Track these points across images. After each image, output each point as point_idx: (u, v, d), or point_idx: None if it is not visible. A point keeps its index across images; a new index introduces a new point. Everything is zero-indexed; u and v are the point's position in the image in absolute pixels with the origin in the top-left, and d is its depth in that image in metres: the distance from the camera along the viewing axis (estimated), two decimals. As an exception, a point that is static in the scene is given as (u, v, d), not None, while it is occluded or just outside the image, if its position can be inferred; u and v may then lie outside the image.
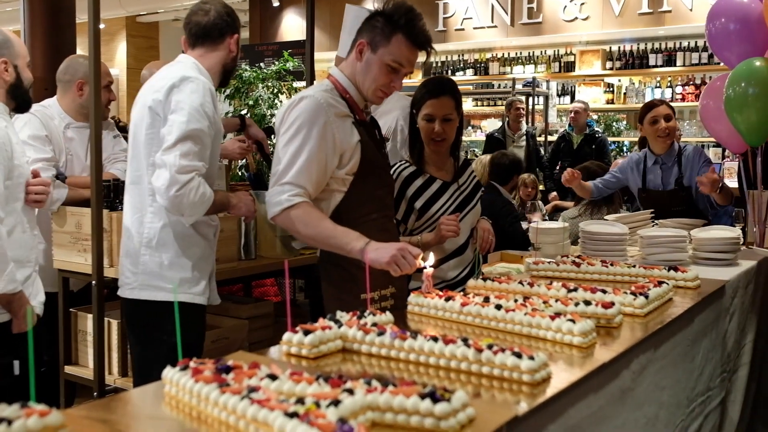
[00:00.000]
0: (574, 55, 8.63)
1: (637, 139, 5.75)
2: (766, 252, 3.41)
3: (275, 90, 6.14)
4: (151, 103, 2.52)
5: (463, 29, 8.78)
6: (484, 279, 2.31)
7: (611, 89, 8.76)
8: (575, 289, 2.13)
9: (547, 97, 8.85)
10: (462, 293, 2.12)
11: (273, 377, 1.32)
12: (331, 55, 5.22)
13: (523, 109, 7.72)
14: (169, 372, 1.40)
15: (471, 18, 8.70)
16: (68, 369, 3.31)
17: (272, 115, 5.85)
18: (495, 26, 8.58)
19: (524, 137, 7.58)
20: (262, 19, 10.37)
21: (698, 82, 8.07)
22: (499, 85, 9.33)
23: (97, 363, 2.99)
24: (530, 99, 8.42)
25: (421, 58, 2.43)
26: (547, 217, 5.77)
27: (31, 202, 2.73)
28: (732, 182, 4.49)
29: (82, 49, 4.51)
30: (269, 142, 3.34)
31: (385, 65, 2.35)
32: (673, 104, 5.05)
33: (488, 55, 9.24)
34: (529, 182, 6.03)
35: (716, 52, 4.10)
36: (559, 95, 9.18)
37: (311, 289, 3.69)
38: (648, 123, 3.95)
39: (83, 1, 3.05)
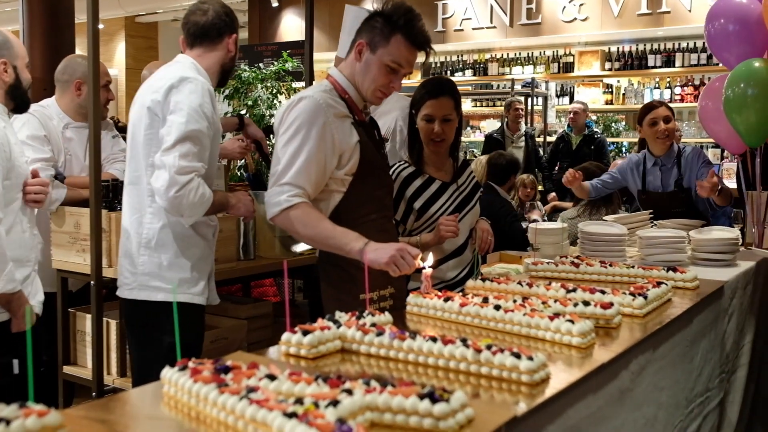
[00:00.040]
0: (573, 55, 8.64)
1: (636, 139, 5.76)
2: (764, 253, 3.41)
3: (274, 90, 6.13)
4: (150, 104, 2.51)
5: (462, 30, 8.79)
6: (483, 279, 2.31)
7: (610, 90, 8.76)
8: (574, 290, 2.13)
9: (546, 98, 8.84)
10: (461, 294, 2.12)
11: (272, 377, 1.32)
12: (330, 56, 5.22)
13: (522, 109, 7.71)
14: (167, 372, 1.39)
15: (470, 18, 8.71)
16: (67, 369, 3.31)
17: (271, 116, 5.84)
18: (494, 27, 8.59)
19: (523, 138, 7.57)
20: (261, 20, 10.38)
21: (697, 82, 8.07)
22: (498, 85, 9.32)
23: (95, 363, 2.98)
24: (529, 100, 8.41)
25: (420, 58, 2.42)
26: (546, 218, 5.78)
27: (29, 202, 2.73)
28: (731, 183, 4.48)
29: (81, 49, 4.50)
30: (268, 142, 3.34)
31: (384, 66, 2.35)
32: (672, 105, 5.07)
33: (487, 56, 9.25)
34: (528, 183, 6.03)
35: (715, 53, 4.10)
36: (558, 96, 9.18)
37: (310, 289, 3.70)
38: (647, 125, 3.93)
39: (82, 2, 3.05)
